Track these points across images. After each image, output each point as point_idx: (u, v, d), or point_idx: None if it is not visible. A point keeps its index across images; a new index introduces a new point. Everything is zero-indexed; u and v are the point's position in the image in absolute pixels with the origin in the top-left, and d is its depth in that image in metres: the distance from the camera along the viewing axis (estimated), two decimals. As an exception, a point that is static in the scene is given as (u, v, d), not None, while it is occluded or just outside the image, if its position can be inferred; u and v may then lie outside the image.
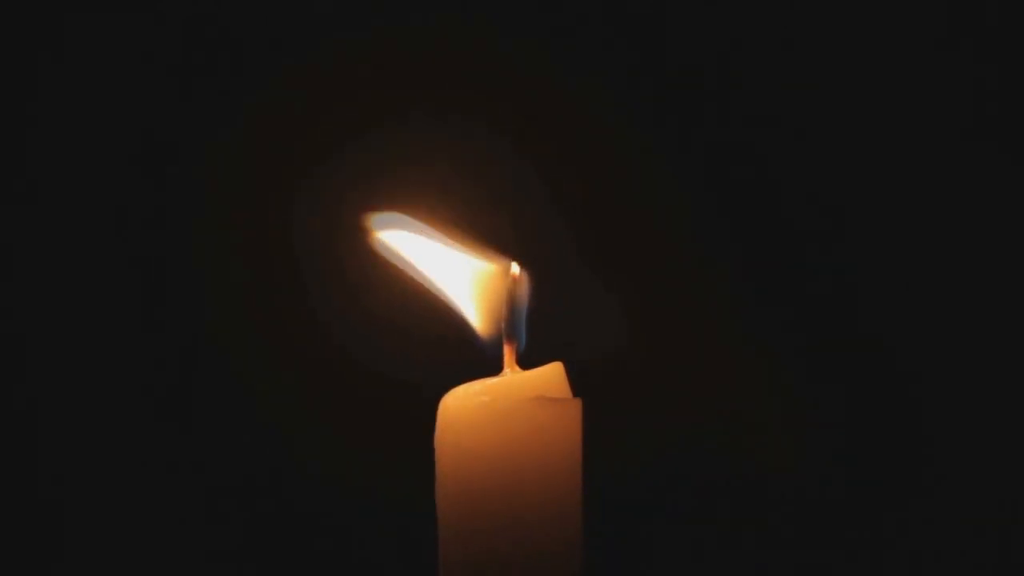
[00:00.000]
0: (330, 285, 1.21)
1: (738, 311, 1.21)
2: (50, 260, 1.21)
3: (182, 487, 1.22)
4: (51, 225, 1.21)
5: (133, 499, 1.21)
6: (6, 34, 1.20)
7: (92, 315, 1.22)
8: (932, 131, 1.19)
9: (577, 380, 0.82)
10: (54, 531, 1.21)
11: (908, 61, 1.19)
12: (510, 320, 0.82)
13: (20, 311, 1.21)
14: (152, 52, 1.21)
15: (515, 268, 0.83)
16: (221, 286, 1.22)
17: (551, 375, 0.81)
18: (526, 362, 0.83)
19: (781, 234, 1.21)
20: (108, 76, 1.21)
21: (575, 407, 0.80)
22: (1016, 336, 1.18)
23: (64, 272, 1.21)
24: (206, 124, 1.21)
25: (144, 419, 1.22)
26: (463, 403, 0.79)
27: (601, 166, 1.22)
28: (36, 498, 1.21)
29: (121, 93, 1.21)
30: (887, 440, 1.20)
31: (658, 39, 1.20)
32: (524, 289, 0.83)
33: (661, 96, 1.21)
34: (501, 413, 0.78)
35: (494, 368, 0.83)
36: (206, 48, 1.21)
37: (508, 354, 0.82)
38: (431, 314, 1.09)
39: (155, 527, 1.21)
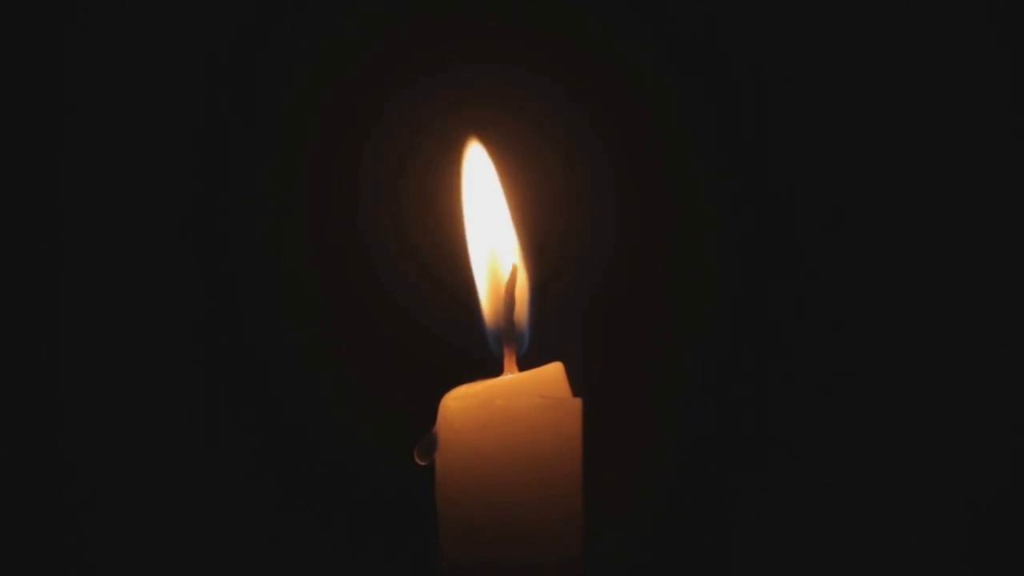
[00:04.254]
0: (328, 286, 1.22)
1: (738, 310, 1.21)
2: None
3: (186, 488, 1.22)
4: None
5: (144, 497, 1.22)
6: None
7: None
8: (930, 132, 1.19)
9: (577, 380, 0.82)
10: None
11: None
12: (509, 321, 0.82)
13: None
14: None
15: (515, 265, 0.83)
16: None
17: (551, 375, 0.81)
18: (526, 361, 0.83)
19: (781, 236, 1.21)
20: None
21: (575, 407, 0.80)
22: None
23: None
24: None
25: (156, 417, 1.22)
26: (463, 403, 0.79)
27: (601, 165, 1.22)
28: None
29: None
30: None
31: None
32: (524, 291, 0.83)
33: (668, 95, 1.21)
34: (501, 413, 0.78)
35: (494, 368, 0.83)
36: None
37: (508, 355, 0.82)
38: (432, 308, 1.10)
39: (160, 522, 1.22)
